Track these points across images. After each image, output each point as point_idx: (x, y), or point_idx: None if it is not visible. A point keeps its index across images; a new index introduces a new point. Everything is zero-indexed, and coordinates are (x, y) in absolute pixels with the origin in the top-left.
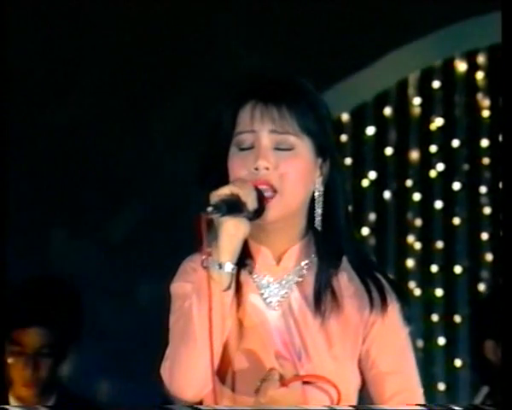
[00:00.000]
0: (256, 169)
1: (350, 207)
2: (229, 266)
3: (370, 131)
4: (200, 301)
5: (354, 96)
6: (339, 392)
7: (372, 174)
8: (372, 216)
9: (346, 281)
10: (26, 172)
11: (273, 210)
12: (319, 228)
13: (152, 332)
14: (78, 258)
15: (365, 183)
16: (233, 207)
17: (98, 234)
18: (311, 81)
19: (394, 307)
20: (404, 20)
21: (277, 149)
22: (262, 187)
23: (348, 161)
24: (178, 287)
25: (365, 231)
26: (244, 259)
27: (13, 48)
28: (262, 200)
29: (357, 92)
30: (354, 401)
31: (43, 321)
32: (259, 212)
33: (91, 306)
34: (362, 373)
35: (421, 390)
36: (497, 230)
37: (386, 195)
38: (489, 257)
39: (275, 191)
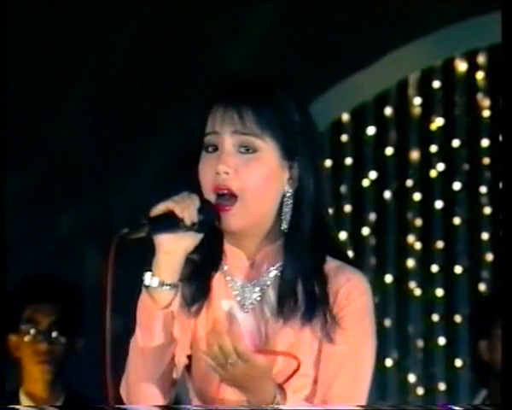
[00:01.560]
0: (217, 173)
1: (330, 210)
2: (169, 285)
3: (371, 131)
4: (139, 327)
5: (354, 96)
6: (297, 358)
7: (372, 174)
8: (372, 216)
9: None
10: (26, 171)
11: (235, 218)
12: (285, 230)
13: None
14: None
15: (365, 183)
16: (164, 224)
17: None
18: (314, 81)
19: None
20: (404, 20)
21: (240, 151)
22: (221, 192)
23: (348, 160)
24: None
25: (365, 230)
26: (218, 260)
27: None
28: (217, 209)
29: (357, 92)
30: None
31: (55, 301)
32: (208, 222)
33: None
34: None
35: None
36: (497, 230)
37: (387, 195)
38: (489, 257)
39: (235, 197)
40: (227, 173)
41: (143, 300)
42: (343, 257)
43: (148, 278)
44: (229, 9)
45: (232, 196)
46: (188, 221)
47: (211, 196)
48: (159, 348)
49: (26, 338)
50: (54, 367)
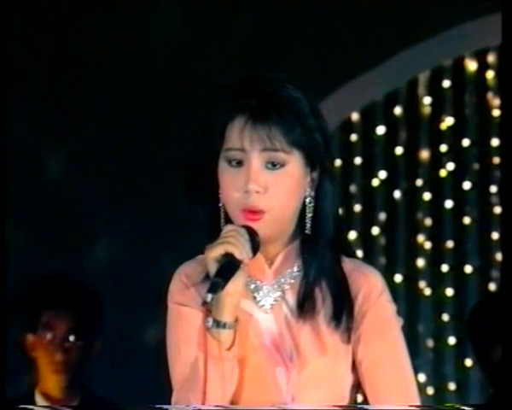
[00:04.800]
0: (246, 192)
1: (341, 211)
2: (231, 325)
3: (380, 130)
4: (205, 361)
5: (364, 96)
6: None
7: (382, 174)
8: (382, 216)
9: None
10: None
11: (263, 227)
12: (309, 232)
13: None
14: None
15: (375, 182)
16: (229, 272)
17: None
18: (323, 80)
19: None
20: (413, 19)
21: (268, 167)
22: (252, 209)
23: (358, 160)
24: (173, 310)
25: (375, 230)
26: None
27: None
28: (255, 236)
29: (367, 91)
30: (347, 396)
31: (72, 304)
32: (255, 251)
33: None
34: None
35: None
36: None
37: (397, 194)
38: (499, 257)
39: (263, 212)
40: (257, 192)
41: (205, 339)
42: (353, 257)
43: (211, 321)
44: (239, 7)
45: (261, 211)
46: (246, 261)
47: (236, 211)
48: (229, 386)
49: (43, 343)
50: (70, 373)
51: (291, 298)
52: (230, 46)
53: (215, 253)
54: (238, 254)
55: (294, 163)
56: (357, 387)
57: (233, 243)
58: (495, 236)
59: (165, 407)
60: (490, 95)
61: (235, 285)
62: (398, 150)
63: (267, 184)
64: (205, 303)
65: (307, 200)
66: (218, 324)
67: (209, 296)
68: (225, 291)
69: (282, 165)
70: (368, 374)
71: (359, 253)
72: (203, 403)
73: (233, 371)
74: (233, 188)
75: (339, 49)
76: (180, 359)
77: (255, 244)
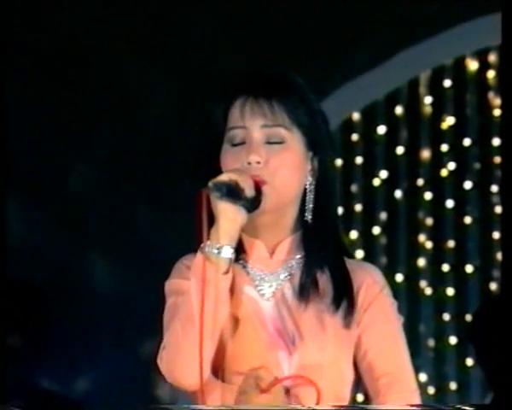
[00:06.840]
0: (248, 163)
1: (340, 208)
2: (228, 251)
3: (381, 130)
4: (197, 285)
5: (365, 95)
6: (318, 390)
7: (383, 173)
8: (383, 215)
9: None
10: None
11: (265, 200)
12: (309, 220)
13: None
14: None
15: (376, 182)
16: (232, 191)
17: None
18: (324, 79)
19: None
20: (414, 19)
21: (268, 142)
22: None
23: (359, 160)
24: (172, 284)
25: (376, 230)
26: (238, 253)
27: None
28: (259, 190)
29: (368, 91)
30: (348, 392)
31: None
32: (257, 202)
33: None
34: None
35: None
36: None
37: (398, 194)
38: (500, 256)
39: (265, 183)
40: (258, 163)
41: (200, 266)
42: (353, 258)
43: (209, 244)
44: (240, 7)
45: (263, 181)
46: (248, 193)
47: None
48: (220, 313)
49: None
50: None
51: (292, 286)
52: (230, 46)
53: (219, 178)
54: (241, 182)
55: (295, 140)
56: (358, 385)
57: (237, 173)
58: (496, 235)
59: (164, 406)
60: (491, 94)
61: (234, 212)
62: (399, 150)
63: (268, 156)
64: (206, 188)
65: (308, 188)
66: (215, 247)
67: (211, 184)
68: (223, 214)
69: (283, 141)
70: (370, 364)
71: (360, 252)
72: (200, 331)
73: (226, 300)
74: (235, 162)
75: (340, 48)
76: (174, 319)
77: (257, 195)
